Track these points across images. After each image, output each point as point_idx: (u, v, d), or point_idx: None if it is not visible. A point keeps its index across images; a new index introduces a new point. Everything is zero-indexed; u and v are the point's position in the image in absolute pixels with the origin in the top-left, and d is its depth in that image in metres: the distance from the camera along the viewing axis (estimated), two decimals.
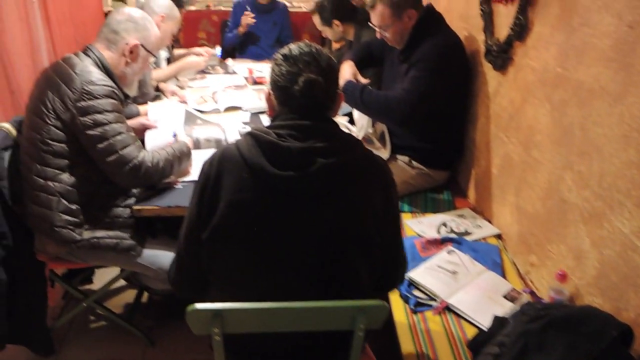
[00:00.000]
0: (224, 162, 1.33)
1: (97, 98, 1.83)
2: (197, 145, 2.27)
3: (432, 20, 2.32)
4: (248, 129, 2.49)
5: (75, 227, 1.88)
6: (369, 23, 3.10)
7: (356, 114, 2.76)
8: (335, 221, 1.30)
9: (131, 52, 2.00)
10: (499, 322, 1.40)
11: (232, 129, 2.45)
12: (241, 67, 3.61)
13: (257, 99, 2.90)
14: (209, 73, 3.47)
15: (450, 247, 1.94)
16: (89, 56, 1.95)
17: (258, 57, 4.01)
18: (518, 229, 1.97)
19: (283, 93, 1.35)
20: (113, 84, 1.89)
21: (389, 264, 1.43)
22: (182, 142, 2.13)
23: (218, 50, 4.04)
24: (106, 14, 4.53)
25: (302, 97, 1.31)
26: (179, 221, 2.23)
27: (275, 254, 1.30)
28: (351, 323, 1.24)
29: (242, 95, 2.94)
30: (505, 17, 2.05)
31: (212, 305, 1.20)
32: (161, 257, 1.96)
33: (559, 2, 1.69)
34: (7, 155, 1.99)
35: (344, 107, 2.55)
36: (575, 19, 1.58)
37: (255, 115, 2.74)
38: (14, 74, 2.87)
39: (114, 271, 2.37)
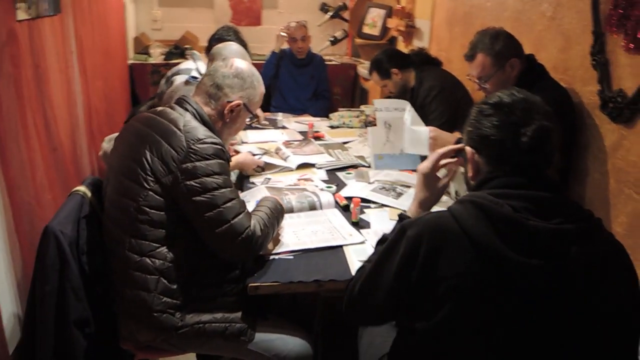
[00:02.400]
0: (439, 236, 1.08)
1: (205, 159, 1.57)
2: (290, 210, 2.02)
3: (537, 71, 2.19)
4: (333, 189, 2.27)
5: (176, 311, 1.59)
6: (428, 64, 3.02)
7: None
8: (590, 328, 1.05)
9: (232, 110, 1.76)
10: None
11: (318, 191, 2.22)
12: (288, 121, 3.43)
13: (327, 155, 2.69)
14: (259, 128, 3.25)
15: None
16: (187, 110, 1.70)
17: (296, 111, 3.83)
18: None
19: (499, 149, 1.13)
20: (221, 142, 1.64)
21: None
22: (272, 198, 1.87)
23: None
24: (130, 67, 4.36)
25: (529, 153, 1.10)
26: (292, 299, 1.99)
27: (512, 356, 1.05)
28: None
29: (310, 152, 2.73)
30: (629, 67, 1.92)
31: None
32: (276, 341, 1.67)
33: None
34: (86, 224, 1.71)
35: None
36: None
37: (332, 172, 2.52)
38: (57, 130, 2.61)
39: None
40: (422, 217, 1.15)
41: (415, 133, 2.22)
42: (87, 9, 3.16)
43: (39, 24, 2.44)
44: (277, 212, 1.80)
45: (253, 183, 2.36)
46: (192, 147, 1.57)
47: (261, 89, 1.85)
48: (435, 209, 1.51)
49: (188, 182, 1.55)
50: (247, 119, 1.87)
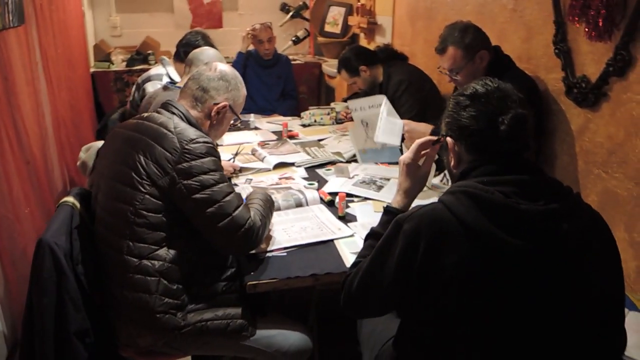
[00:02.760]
0: (436, 228, 1.11)
1: (200, 157, 1.61)
2: (277, 208, 2.06)
3: (504, 62, 2.29)
4: (315, 186, 2.32)
5: (178, 311, 1.61)
6: (394, 60, 3.10)
7: None
8: (582, 298, 1.13)
9: (218, 112, 1.80)
10: None
11: (302, 188, 2.27)
12: (260, 122, 3.45)
13: (304, 154, 2.74)
14: (232, 130, 3.25)
15: None
16: (174, 113, 1.72)
17: (265, 112, 3.85)
18: (637, 265, 1.89)
19: (479, 138, 1.18)
20: (212, 140, 1.68)
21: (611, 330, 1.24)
22: (261, 191, 1.92)
23: None
24: (92, 75, 4.28)
25: (508, 140, 1.15)
26: (289, 295, 2.02)
27: (508, 331, 1.13)
28: None
29: (286, 151, 2.76)
30: (590, 54, 2.03)
31: None
32: (277, 337, 1.70)
33: None
34: (77, 234, 1.70)
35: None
36: None
37: (311, 170, 2.56)
38: (29, 142, 2.56)
39: None
40: (416, 212, 1.18)
41: (391, 124, 2.30)
42: (49, 18, 3.10)
43: (5, 36, 2.39)
44: (269, 204, 1.85)
45: (236, 184, 2.38)
46: (186, 147, 1.60)
47: (244, 90, 1.89)
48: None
49: (186, 182, 1.58)
50: (232, 121, 1.90)
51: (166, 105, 1.76)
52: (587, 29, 1.96)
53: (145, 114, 1.77)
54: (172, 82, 2.56)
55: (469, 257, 1.08)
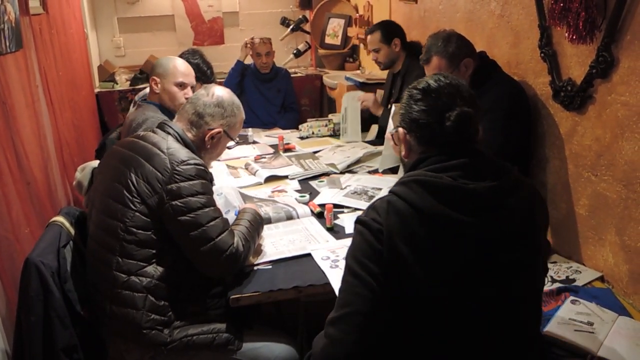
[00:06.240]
0: (393, 217, 1.16)
1: (189, 179, 1.64)
2: (268, 221, 2.08)
3: (490, 68, 2.29)
4: (307, 198, 2.33)
5: (164, 327, 1.63)
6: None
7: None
8: (526, 264, 1.21)
9: (212, 137, 1.83)
10: None
11: (292, 202, 2.28)
12: (259, 136, 3.48)
13: (295, 167, 2.75)
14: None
15: (569, 297, 1.81)
16: (169, 133, 1.76)
17: (267, 125, 3.89)
18: (628, 268, 1.87)
19: (428, 131, 1.24)
20: (203, 163, 1.71)
21: None
22: (251, 209, 1.92)
23: None
24: (97, 96, 4.36)
25: (454, 135, 1.21)
26: (276, 309, 2.04)
27: (472, 307, 1.17)
28: None
29: (279, 165, 2.78)
30: (575, 57, 2.03)
31: None
32: (262, 349, 1.71)
33: None
34: (66, 252, 1.74)
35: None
36: None
37: (304, 182, 2.58)
38: (29, 164, 2.62)
39: None
40: (370, 207, 1.23)
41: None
42: (49, 41, 3.17)
43: (2, 61, 2.46)
44: (257, 224, 1.86)
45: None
46: (177, 168, 1.64)
47: (241, 115, 1.92)
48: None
49: (173, 202, 1.61)
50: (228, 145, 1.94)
51: (162, 125, 1.80)
52: (567, 32, 1.95)
53: (142, 133, 1.82)
54: (144, 99, 2.62)
55: (427, 240, 1.14)
